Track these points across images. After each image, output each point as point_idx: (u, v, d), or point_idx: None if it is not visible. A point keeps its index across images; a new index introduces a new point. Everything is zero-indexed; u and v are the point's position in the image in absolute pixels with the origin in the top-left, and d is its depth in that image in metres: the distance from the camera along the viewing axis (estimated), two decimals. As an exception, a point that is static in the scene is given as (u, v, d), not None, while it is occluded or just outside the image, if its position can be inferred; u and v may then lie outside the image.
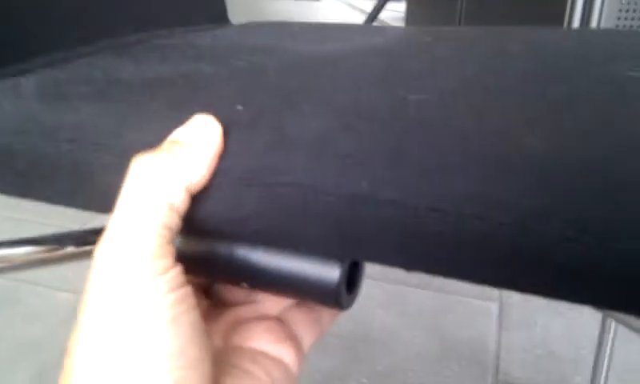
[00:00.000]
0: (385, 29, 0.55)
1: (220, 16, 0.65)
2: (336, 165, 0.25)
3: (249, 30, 0.57)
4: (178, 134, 0.27)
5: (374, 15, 0.61)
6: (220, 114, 0.30)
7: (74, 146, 0.30)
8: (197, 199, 0.27)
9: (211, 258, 0.29)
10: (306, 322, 0.32)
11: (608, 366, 0.76)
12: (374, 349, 0.98)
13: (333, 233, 0.25)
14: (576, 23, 1.32)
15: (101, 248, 0.24)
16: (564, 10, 1.35)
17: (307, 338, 0.32)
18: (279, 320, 0.31)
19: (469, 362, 0.95)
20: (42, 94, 0.33)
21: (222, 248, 0.29)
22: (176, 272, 0.24)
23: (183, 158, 0.25)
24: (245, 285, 0.30)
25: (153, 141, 0.28)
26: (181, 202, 0.25)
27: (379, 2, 0.60)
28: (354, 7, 4.36)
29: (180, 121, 0.29)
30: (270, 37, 0.52)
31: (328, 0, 4.60)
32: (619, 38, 0.49)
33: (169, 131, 0.28)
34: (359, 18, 3.83)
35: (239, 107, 0.31)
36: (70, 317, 1.05)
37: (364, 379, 0.91)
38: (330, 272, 0.27)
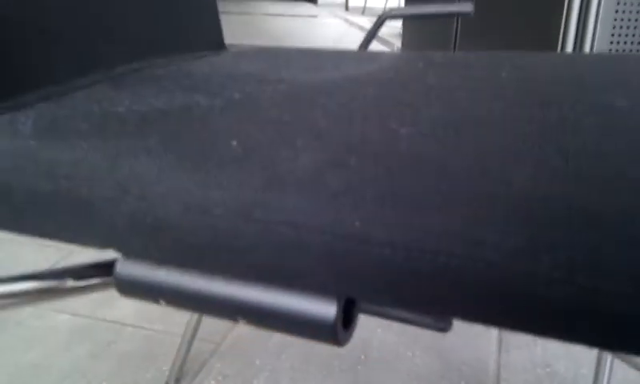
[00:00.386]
0: (378, 56, 0.56)
1: (216, 42, 0.66)
2: (329, 204, 0.25)
3: (244, 57, 0.58)
4: None
5: (369, 38, 0.62)
6: (214, 148, 0.31)
7: (71, 182, 0.30)
8: (195, 229, 0.27)
9: (207, 293, 0.29)
10: None
11: (607, 386, 0.76)
12: (374, 369, 0.98)
13: (328, 270, 0.26)
14: (569, 47, 1.33)
15: None
16: (557, 35, 1.36)
17: None
18: None
19: (469, 381, 0.94)
20: (39, 131, 0.33)
21: (218, 283, 0.29)
22: None
23: None
24: (240, 320, 0.30)
25: (147, 174, 0.29)
26: None
27: (375, 24, 0.60)
28: (351, 23, 4.39)
29: (175, 156, 0.30)
30: (265, 65, 0.53)
31: (326, 18, 4.64)
32: (609, 64, 0.49)
33: (161, 167, 0.29)
34: (357, 35, 3.86)
35: (234, 143, 0.31)
36: (70, 340, 1.05)
37: (364, 400, 0.91)
38: (326, 309, 0.27)
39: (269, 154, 0.30)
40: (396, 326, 1.08)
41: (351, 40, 3.70)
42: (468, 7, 0.56)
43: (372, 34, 0.59)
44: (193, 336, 0.96)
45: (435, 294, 0.24)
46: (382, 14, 0.59)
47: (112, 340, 1.06)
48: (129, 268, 0.31)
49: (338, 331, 0.27)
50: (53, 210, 0.31)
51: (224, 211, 0.27)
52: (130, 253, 0.30)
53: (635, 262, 0.21)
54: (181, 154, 0.30)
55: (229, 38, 0.77)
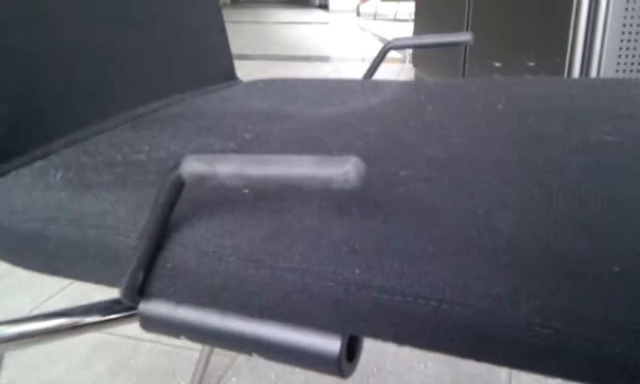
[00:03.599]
0: (382, 87, 0.58)
1: (228, 74, 0.69)
2: (331, 252, 0.28)
3: (254, 91, 0.61)
4: None
5: (373, 67, 0.65)
6: (227, 197, 0.34)
7: (98, 231, 0.33)
8: (210, 274, 0.30)
9: (222, 330, 0.32)
10: None
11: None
12: (386, 381, 1.00)
13: (332, 312, 0.28)
14: (576, 71, 1.35)
15: None
16: (564, 59, 1.37)
17: None
18: None
19: (480, 391, 0.96)
20: (69, 183, 0.36)
21: (234, 322, 0.32)
22: None
23: None
24: (255, 354, 0.33)
25: (168, 224, 0.32)
26: None
27: (379, 54, 0.63)
28: (363, 29, 4.42)
29: (191, 207, 0.32)
30: (273, 100, 0.56)
31: (338, 25, 4.67)
32: (605, 92, 0.52)
33: (180, 216, 0.32)
34: (369, 40, 3.88)
35: (245, 191, 0.34)
36: (90, 356, 1.08)
37: (377, 411, 0.93)
38: (331, 345, 0.30)
39: (277, 202, 0.32)
40: (408, 336, 1.11)
41: (363, 46, 3.73)
42: (467, 37, 0.59)
43: (376, 64, 0.62)
44: (210, 351, 0.99)
45: (430, 333, 0.26)
46: (386, 45, 0.61)
47: (131, 356, 1.09)
48: (152, 306, 0.34)
49: (342, 365, 0.30)
50: (82, 256, 0.34)
51: (236, 258, 0.30)
52: (152, 293, 0.33)
53: (607, 310, 0.23)
54: (197, 204, 0.33)
55: (244, 49, 0.80)
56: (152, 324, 0.34)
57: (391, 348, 1.08)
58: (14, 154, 0.41)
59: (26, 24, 0.44)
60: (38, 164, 0.40)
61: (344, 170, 0.24)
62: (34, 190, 0.36)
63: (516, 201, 0.31)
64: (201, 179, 0.27)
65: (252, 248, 0.30)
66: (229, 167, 0.27)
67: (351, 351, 0.31)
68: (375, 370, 1.02)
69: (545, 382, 0.98)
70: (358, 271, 0.27)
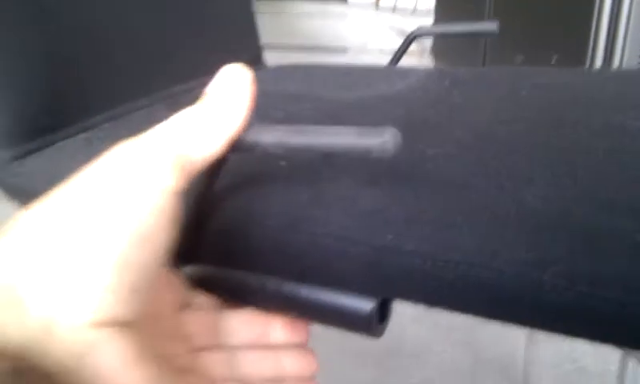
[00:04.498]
0: (407, 73, 0.60)
1: (256, 59, 0.71)
2: (365, 220, 0.30)
3: (283, 75, 0.63)
4: (216, 88, 0.30)
5: (398, 55, 0.66)
6: (266, 167, 0.36)
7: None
8: (250, 237, 0.32)
9: (265, 292, 0.34)
10: None
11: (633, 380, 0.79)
12: (406, 363, 1.02)
13: (366, 275, 0.30)
14: (598, 62, 1.34)
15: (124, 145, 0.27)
16: (587, 50, 1.37)
17: None
18: None
19: (498, 376, 0.98)
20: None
21: (273, 282, 0.34)
22: (168, 198, 0.26)
23: (223, 108, 0.28)
24: (292, 315, 0.35)
25: (210, 194, 0.34)
26: (218, 146, 0.28)
27: (404, 42, 0.65)
28: (382, 22, 4.41)
29: (232, 174, 0.35)
30: (302, 83, 0.58)
31: (356, 17, 4.67)
32: (626, 81, 0.53)
33: (224, 183, 0.34)
34: (388, 34, 3.88)
35: (282, 163, 0.36)
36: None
37: (396, 393, 0.95)
38: (364, 307, 0.32)
39: (312, 173, 0.34)
40: (428, 321, 1.12)
41: (382, 38, 3.72)
42: (493, 26, 0.60)
43: (401, 52, 0.64)
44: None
45: (457, 296, 0.28)
46: (411, 33, 0.63)
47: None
48: (197, 270, 0.36)
49: (373, 325, 0.32)
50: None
51: (276, 224, 0.32)
52: (198, 257, 0.35)
53: (627, 274, 0.25)
54: (237, 173, 0.35)
55: (268, 37, 0.82)
56: (196, 283, 0.36)
57: (411, 331, 1.10)
58: (60, 127, 0.43)
59: (69, 7, 0.47)
60: (81, 136, 0.43)
61: (383, 139, 0.26)
62: (77, 158, 0.39)
63: (541, 178, 0.32)
64: (247, 148, 0.29)
65: (291, 215, 0.32)
66: (273, 137, 0.29)
67: (382, 313, 0.33)
68: (395, 351, 1.04)
69: (562, 368, 0.99)
70: (390, 237, 0.29)
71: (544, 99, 0.48)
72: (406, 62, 0.67)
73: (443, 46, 2.56)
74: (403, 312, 1.17)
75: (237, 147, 0.29)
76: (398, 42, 0.65)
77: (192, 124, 0.28)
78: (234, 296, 0.35)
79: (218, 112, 0.29)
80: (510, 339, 1.07)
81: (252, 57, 0.70)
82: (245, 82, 0.30)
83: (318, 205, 0.32)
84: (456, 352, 1.04)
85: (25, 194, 0.40)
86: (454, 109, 0.47)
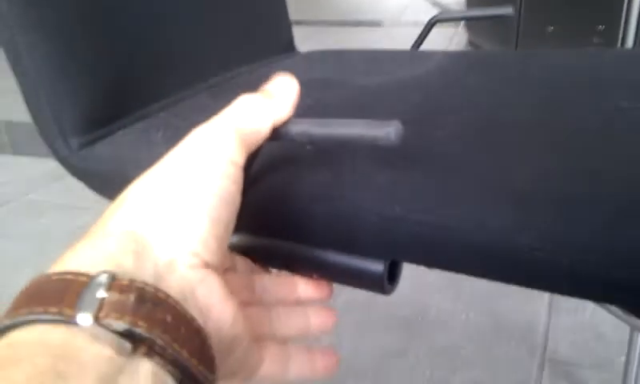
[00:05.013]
0: (428, 57, 0.65)
1: (289, 46, 0.77)
2: (376, 194, 0.36)
3: (312, 62, 0.68)
4: (270, 86, 0.37)
5: (420, 40, 0.71)
6: (293, 151, 0.42)
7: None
8: (282, 210, 0.38)
9: (291, 255, 0.41)
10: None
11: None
12: (430, 329, 1.08)
13: (376, 241, 0.36)
14: (629, 41, 1.34)
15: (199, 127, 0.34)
16: (618, 30, 1.37)
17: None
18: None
19: (518, 342, 1.03)
20: (168, 140, 0.45)
21: (299, 248, 0.40)
22: (236, 169, 0.32)
23: (273, 101, 0.35)
24: (315, 276, 0.41)
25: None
26: (266, 130, 0.35)
27: (425, 28, 0.69)
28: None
29: (263, 158, 0.41)
30: (329, 70, 0.63)
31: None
32: (636, 62, 0.56)
33: (259, 165, 0.40)
34: (420, 4, 3.85)
35: (308, 147, 0.42)
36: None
37: (421, 355, 1.01)
38: (376, 268, 0.38)
39: (333, 157, 0.40)
40: (452, 291, 1.18)
41: (416, 11, 3.70)
42: (509, 10, 0.64)
43: (423, 37, 0.68)
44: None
45: (453, 257, 0.34)
46: (432, 18, 0.67)
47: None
48: (239, 238, 0.42)
49: (384, 284, 0.38)
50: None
51: (300, 198, 0.38)
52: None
53: (594, 237, 0.30)
54: (266, 157, 0.41)
55: (296, 14, 0.87)
56: (237, 251, 0.43)
57: (435, 300, 1.15)
58: (120, 117, 0.50)
59: (130, 2, 0.53)
60: (138, 125, 0.50)
61: (387, 130, 0.32)
62: (139, 145, 0.45)
63: (536, 156, 0.37)
64: (277, 136, 0.35)
65: (313, 190, 0.38)
66: (299, 127, 0.35)
67: (393, 274, 0.39)
68: (420, 318, 1.10)
69: (581, 334, 1.03)
70: (397, 208, 0.35)
71: (550, 81, 0.52)
72: (441, 32, 0.70)
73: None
74: (428, 282, 1.23)
75: (273, 136, 0.35)
76: (433, 12, 0.70)
77: (250, 108, 0.35)
78: (267, 260, 0.42)
79: (271, 102, 0.36)
80: (532, 307, 1.12)
81: (284, 44, 0.76)
82: (292, 85, 0.37)
83: (338, 183, 0.37)
84: (478, 319, 1.10)
85: (92, 177, 0.47)
86: (467, 92, 0.52)
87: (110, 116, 0.49)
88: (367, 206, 0.36)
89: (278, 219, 0.39)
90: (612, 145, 0.38)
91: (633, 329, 0.82)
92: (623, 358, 0.97)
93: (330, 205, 0.37)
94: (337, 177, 0.38)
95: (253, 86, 0.59)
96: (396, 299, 1.17)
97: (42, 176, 1.80)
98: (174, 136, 0.47)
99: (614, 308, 0.77)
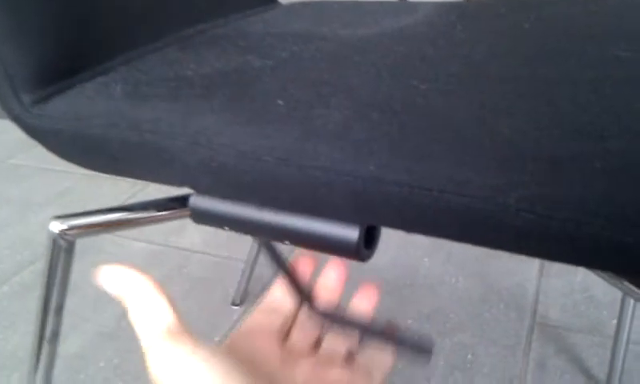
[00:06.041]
0: (415, 7, 0.60)
1: (269, -2, 0.72)
2: (350, 152, 0.32)
3: (293, 13, 0.64)
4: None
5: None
6: (264, 107, 0.38)
7: (154, 135, 0.39)
8: (249, 171, 0.35)
9: (260, 221, 0.38)
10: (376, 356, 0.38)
11: (633, 312, 0.81)
12: (419, 293, 1.06)
13: (350, 204, 0.33)
14: None
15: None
16: None
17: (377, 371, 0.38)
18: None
19: (508, 305, 1.02)
20: (127, 95, 0.41)
21: (269, 213, 0.37)
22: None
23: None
24: (287, 242, 0.38)
25: (212, 128, 0.37)
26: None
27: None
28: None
29: (233, 113, 0.37)
30: (310, 22, 0.59)
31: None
32: (636, 10, 0.53)
33: (222, 122, 0.36)
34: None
35: (279, 102, 0.39)
36: (145, 265, 1.19)
37: (409, 320, 1.00)
38: (351, 233, 0.35)
39: (307, 111, 0.37)
40: (442, 255, 1.16)
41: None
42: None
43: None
44: (254, 261, 1.07)
45: (432, 221, 0.31)
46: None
47: (183, 265, 1.19)
48: (200, 201, 0.39)
49: (361, 250, 0.35)
50: (141, 157, 0.40)
51: (270, 157, 0.34)
52: (201, 189, 0.39)
53: (584, 198, 0.27)
54: (237, 112, 0.38)
55: None
56: (200, 216, 0.40)
57: (424, 263, 1.13)
58: (78, 71, 0.46)
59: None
60: (99, 79, 0.46)
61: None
62: (96, 100, 0.42)
63: (522, 109, 0.34)
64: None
65: (283, 149, 0.34)
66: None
67: (371, 239, 0.36)
68: (409, 282, 1.08)
69: (572, 297, 1.02)
70: (372, 168, 0.32)
71: (543, 32, 0.49)
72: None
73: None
74: (417, 245, 1.21)
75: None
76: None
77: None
78: (233, 225, 0.38)
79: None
80: (522, 270, 1.10)
81: (264, -5, 0.71)
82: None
83: (309, 138, 0.34)
84: (468, 282, 1.08)
85: (47, 137, 0.43)
86: (454, 44, 0.49)
87: (68, 69, 0.45)
88: (340, 166, 0.32)
89: (246, 181, 0.36)
90: (608, 97, 0.35)
91: (625, 293, 0.80)
92: (614, 322, 0.96)
93: (299, 164, 0.33)
94: (309, 133, 0.34)
95: (227, 39, 0.55)
96: (384, 263, 1.14)
97: (23, 141, 1.75)
98: (134, 90, 0.43)
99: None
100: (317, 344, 0.39)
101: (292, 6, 0.69)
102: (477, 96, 0.37)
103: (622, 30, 0.47)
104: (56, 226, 0.45)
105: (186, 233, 1.28)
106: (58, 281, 0.47)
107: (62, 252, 0.46)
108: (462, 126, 0.33)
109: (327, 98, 0.38)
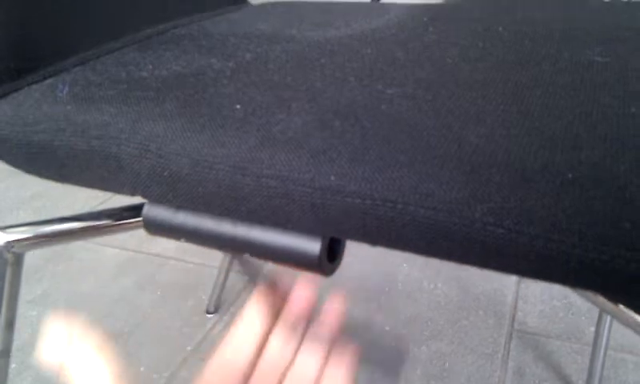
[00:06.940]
0: (388, 9, 0.59)
1: (238, -3, 0.70)
2: (310, 161, 0.30)
3: (262, 13, 0.62)
4: None
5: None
6: (220, 112, 0.36)
7: (102, 141, 0.36)
8: (203, 181, 0.32)
9: (217, 233, 0.35)
10: None
11: (611, 319, 0.80)
12: (397, 300, 1.04)
13: (310, 216, 0.31)
14: None
15: None
16: None
17: None
18: None
19: (486, 312, 1.00)
20: (74, 97, 0.39)
21: (226, 225, 0.35)
22: None
23: None
24: (247, 255, 0.36)
25: (163, 135, 0.34)
26: None
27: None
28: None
29: (186, 119, 0.35)
30: (278, 22, 0.57)
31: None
32: (611, 15, 0.51)
33: (175, 129, 0.34)
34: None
35: (237, 106, 0.36)
36: (118, 272, 1.15)
37: (387, 327, 0.98)
38: (312, 246, 0.32)
39: (266, 116, 0.34)
40: (421, 260, 1.14)
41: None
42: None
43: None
44: (228, 269, 1.05)
45: (395, 234, 0.29)
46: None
47: (156, 272, 1.16)
48: (154, 211, 0.37)
49: (323, 264, 0.33)
50: (88, 164, 0.37)
51: (225, 166, 0.32)
52: (153, 199, 0.36)
53: (555, 212, 0.25)
54: (191, 117, 0.35)
55: None
56: (154, 227, 0.37)
57: (403, 270, 1.12)
58: (27, 72, 0.44)
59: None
60: (48, 81, 0.43)
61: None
62: (43, 103, 0.39)
63: (492, 117, 0.32)
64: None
65: (239, 157, 0.32)
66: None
67: (334, 253, 0.34)
68: (387, 289, 1.06)
69: (550, 303, 1.01)
70: (333, 178, 0.29)
71: (518, 35, 0.47)
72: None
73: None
74: (396, 253, 1.19)
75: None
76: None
77: None
78: (190, 237, 0.36)
79: None
80: (500, 276, 1.09)
81: (233, -6, 0.69)
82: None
83: (266, 147, 0.32)
84: (446, 289, 1.06)
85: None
86: (425, 47, 0.47)
87: (13, 70, 0.42)
88: (299, 175, 0.30)
89: (200, 192, 0.33)
90: (583, 104, 0.33)
91: (601, 309, 0.78)
92: (593, 329, 0.95)
93: (256, 174, 0.31)
94: (266, 140, 0.32)
95: (189, 39, 0.52)
96: (362, 269, 1.12)
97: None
98: (82, 92, 0.41)
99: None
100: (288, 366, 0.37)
101: (262, 6, 0.66)
102: (445, 102, 0.35)
103: (598, 34, 0.46)
104: (1, 238, 0.42)
105: (160, 239, 1.25)
106: (6, 296, 0.44)
107: (8, 266, 0.43)
108: (428, 134, 0.31)
109: (288, 102, 0.36)
